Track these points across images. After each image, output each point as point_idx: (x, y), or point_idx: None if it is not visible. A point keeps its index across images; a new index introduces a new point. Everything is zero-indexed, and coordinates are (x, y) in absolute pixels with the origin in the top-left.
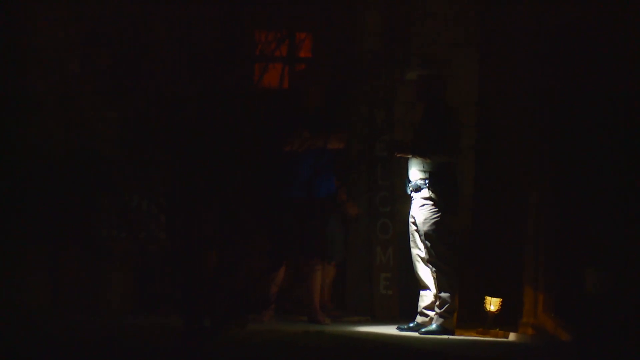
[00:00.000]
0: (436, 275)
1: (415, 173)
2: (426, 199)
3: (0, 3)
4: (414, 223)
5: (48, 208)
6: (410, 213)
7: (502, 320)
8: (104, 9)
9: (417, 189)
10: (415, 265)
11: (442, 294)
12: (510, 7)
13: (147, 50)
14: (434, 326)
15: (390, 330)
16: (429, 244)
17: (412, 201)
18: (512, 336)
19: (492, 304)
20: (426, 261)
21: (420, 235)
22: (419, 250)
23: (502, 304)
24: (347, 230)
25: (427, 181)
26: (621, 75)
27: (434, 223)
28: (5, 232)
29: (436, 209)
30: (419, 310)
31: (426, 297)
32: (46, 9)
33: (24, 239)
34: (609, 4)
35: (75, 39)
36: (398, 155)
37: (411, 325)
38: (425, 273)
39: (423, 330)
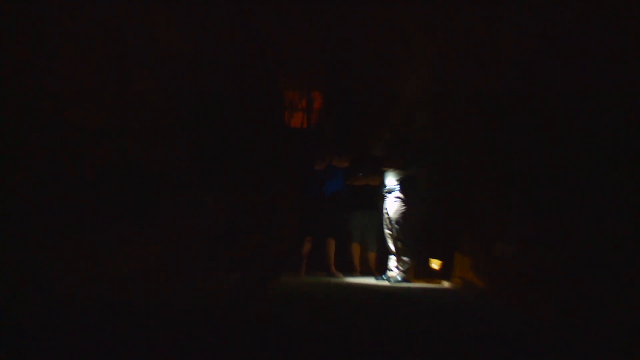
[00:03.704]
0: (400, 246)
1: (392, 180)
2: (397, 197)
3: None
4: (387, 213)
5: (151, 203)
6: (385, 206)
7: (441, 274)
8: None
9: (391, 191)
10: (387, 240)
11: (404, 258)
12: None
13: (220, 100)
14: (399, 278)
15: (371, 280)
16: (397, 227)
17: (387, 198)
18: (446, 284)
19: (435, 263)
20: (395, 238)
21: (391, 221)
22: (389, 230)
23: (442, 264)
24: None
25: (400, 185)
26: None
27: (402, 213)
28: (113, 212)
29: (403, 204)
30: (388, 267)
31: (392, 260)
32: None
33: (127, 220)
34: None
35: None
36: (384, 169)
37: (383, 277)
38: (392, 245)
39: (392, 281)
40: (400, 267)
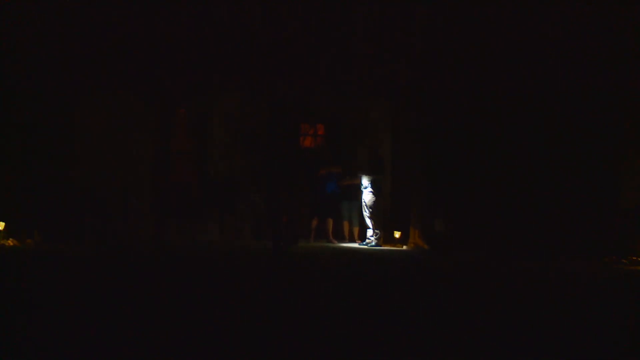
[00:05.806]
0: (373, 223)
1: (365, 181)
2: (370, 191)
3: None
4: (364, 201)
5: (224, 198)
6: (363, 197)
7: (401, 241)
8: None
9: (366, 187)
10: (365, 218)
11: (376, 230)
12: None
13: (261, 135)
14: (373, 243)
15: (356, 245)
16: (370, 210)
17: (363, 192)
18: (404, 247)
19: (396, 233)
20: (369, 217)
21: (366, 206)
22: (366, 212)
23: (401, 234)
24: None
25: (370, 184)
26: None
27: (373, 201)
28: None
29: (373, 195)
30: (367, 237)
31: (369, 231)
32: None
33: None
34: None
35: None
36: (362, 175)
37: (364, 243)
38: (368, 222)
39: (368, 245)
40: (374, 237)
